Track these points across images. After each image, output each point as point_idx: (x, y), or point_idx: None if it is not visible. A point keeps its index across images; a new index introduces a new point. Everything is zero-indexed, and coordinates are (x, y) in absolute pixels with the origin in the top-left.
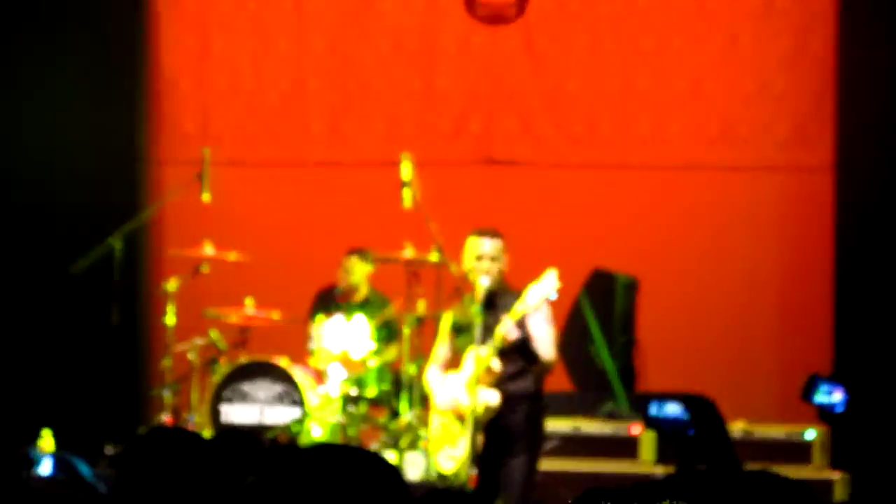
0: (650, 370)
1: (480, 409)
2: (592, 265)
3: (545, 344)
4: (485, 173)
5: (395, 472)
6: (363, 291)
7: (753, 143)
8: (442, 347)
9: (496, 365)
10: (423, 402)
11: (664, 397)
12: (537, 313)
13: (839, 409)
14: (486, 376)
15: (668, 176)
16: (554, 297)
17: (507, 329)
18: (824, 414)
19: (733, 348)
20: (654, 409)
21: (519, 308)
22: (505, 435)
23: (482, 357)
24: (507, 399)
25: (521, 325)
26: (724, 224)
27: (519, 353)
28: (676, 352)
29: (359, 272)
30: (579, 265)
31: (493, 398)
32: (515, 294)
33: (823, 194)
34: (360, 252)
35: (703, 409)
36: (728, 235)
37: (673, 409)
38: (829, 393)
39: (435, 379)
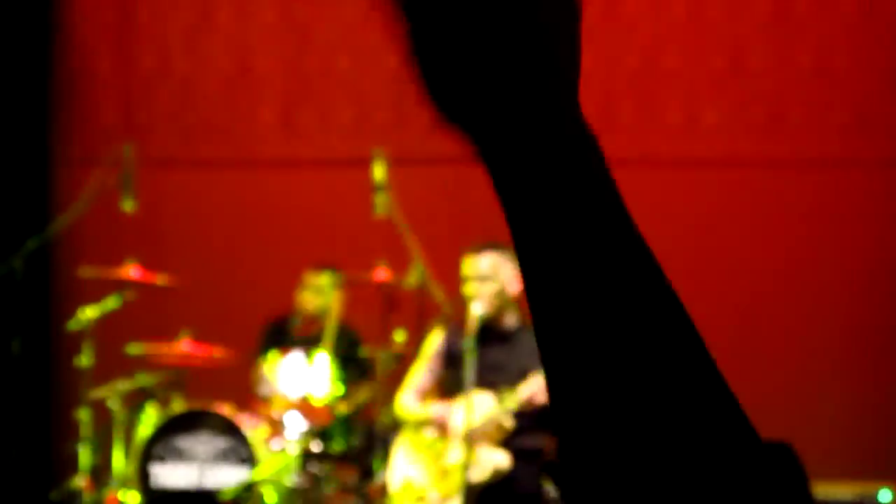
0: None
1: (486, 474)
2: None
3: None
4: (476, 173)
5: None
6: (328, 321)
7: (807, 132)
8: (423, 375)
9: (510, 423)
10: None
11: None
12: None
13: None
14: (495, 433)
15: (702, 173)
16: None
17: (534, 390)
18: None
19: (787, 384)
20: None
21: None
22: (505, 500)
23: (494, 412)
24: (514, 457)
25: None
26: (773, 231)
27: (538, 418)
28: (751, 383)
29: (332, 294)
30: None
31: (502, 461)
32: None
33: (894, 193)
34: (332, 270)
35: (784, 461)
36: (778, 245)
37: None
38: None
39: (416, 407)
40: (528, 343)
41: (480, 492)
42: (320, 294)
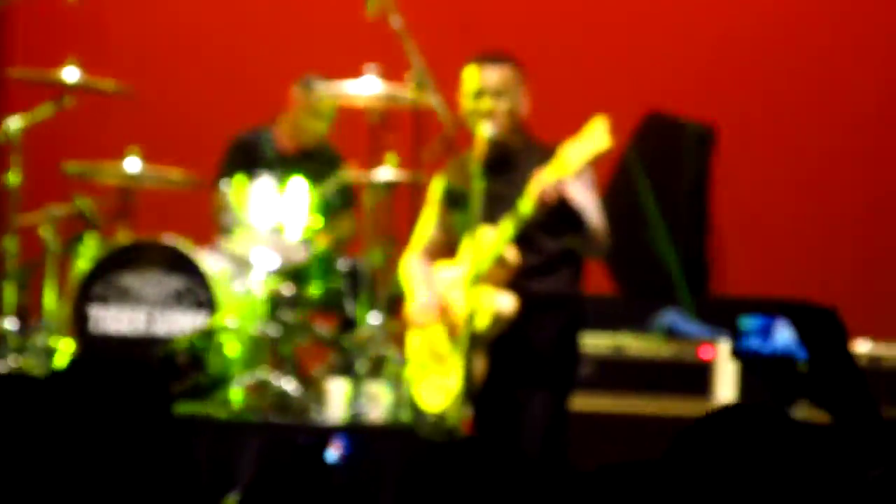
0: (729, 264)
1: (484, 322)
2: (645, 106)
3: (591, 213)
4: None
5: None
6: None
7: None
8: (430, 226)
9: (512, 255)
10: (393, 306)
11: (758, 309)
12: (575, 180)
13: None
14: (497, 272)
15: None
16: (602, 153)
17: (542, 189)
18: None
19: (851, 231)
20: (750, 338)
21: (550, 172)
22: (522, 359)
23: (490, 241)
24: (529, 305)
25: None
26: (853, 37)
27: (557, 221)
28: (768, 237)
29: (328, 112)
30: (626, 105)
31: (505, 304)
32: (544, 150)
33: None
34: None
35: (820, 328)
36: (860, 56)
37: (783, 336)
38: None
39: (419, 272)
40: (535, 164)
41: (493, 346)
42: (316, 118)
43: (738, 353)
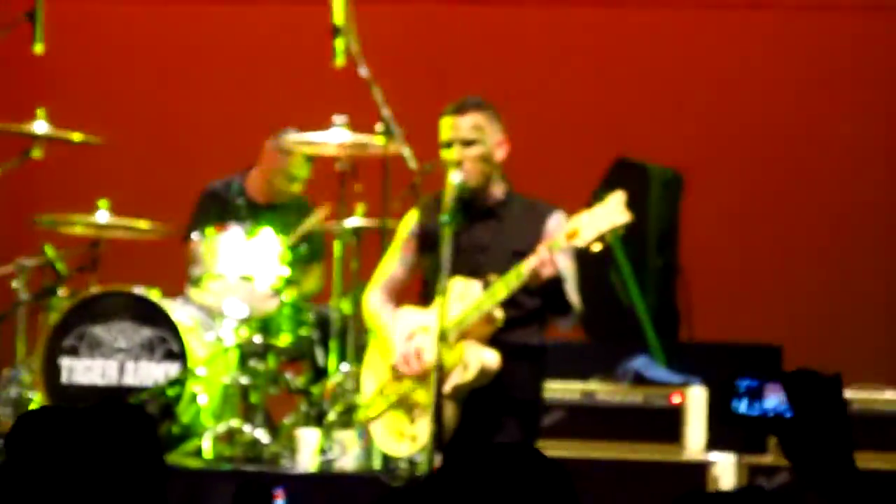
0: (700, 308)
1: (470, 375)
2: (614, 151)
3: (570, 287)
4: (457, 13)
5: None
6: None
7: None
8: (395, 263)
9: (500, 314)
10: (363, 355)
11: (728, 354)
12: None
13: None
14: (481, 327)
15: (731, 17)
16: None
17: (541, 261)
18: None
19: (821, 275)
20: (743, 400)
21: (562, 241)
22: (492, 406)
23: (481, 301)
24: (505, 355)
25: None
26: (817, 83)
27: (545, 298)
28: (739, 280)
29: (302, 168)
30: (594, 150)
31: (491, 359)
32: (527, 204)
33: None
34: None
35: (819, 397)
36: (823, 101)
37: (772, 401)
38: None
39: (380, 308)
40: (519, 217)
41: (466, 396)
42: (290, 181)
43: (730, 414)
